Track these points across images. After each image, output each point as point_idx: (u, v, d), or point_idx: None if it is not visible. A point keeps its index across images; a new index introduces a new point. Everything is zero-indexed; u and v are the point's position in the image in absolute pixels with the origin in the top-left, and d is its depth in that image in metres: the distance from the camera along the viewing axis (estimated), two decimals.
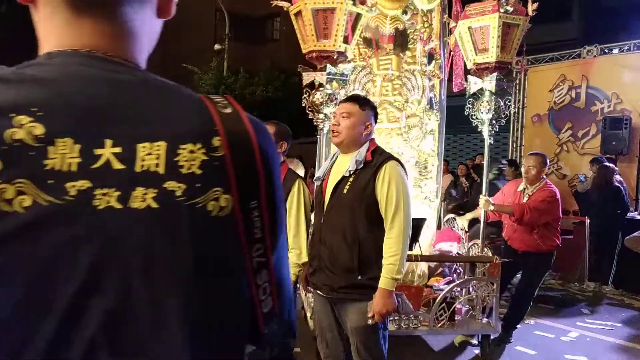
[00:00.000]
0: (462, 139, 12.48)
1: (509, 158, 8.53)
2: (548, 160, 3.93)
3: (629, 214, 5.94)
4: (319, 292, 2.36)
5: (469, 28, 3.28)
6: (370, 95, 3.73)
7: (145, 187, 0.51)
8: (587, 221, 6.09)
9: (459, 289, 3.47)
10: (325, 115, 3.28)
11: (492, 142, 3.57)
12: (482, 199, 3.58)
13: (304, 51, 3.26)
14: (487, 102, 3.34)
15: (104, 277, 0.50)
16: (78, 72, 0.54)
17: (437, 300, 3.26)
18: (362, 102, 2.34)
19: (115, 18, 0.58)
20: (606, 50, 7.85)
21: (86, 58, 0.55)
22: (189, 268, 0.52)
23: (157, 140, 0.52)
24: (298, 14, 3.16)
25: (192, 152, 0.53)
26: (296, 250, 2.44)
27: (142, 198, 0.51)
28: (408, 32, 3.86)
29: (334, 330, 2.38)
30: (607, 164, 6.16)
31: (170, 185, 0.52)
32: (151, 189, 0.51)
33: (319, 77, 3.20)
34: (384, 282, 2.15)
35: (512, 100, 8.82)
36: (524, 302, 3.91)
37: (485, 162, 3.72)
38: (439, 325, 3.28)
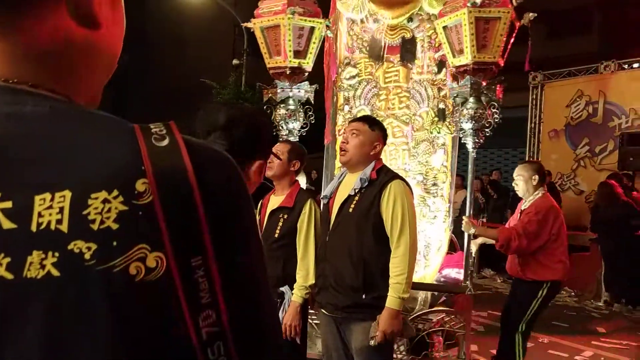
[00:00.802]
0: (478, 154, 12.41)
1: None
2: (541, 168, 3.38)
3: None
4: (324, 310, 2.36)
5: (444, 28, 2.91)
6: (376, 110, 3.58)
7: (44, 250, 0.40)
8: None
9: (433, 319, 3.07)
10: (290, 131, 3.27)
11: (475, 156, 3.20)
12: (464, 219, 3.21)
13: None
14: (468, 109, 2.94)
15: None
16: None
17: None
18: (372, 122, 2.37)
19: (12, 35, 0.47)
20: (624, 66, 7.79)
21: None
22: (108, 349, 0.41)
23: (60, 190, 0.41)
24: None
25: (106, 201, 0.42)
26: (303, 272, 2.42)
27: (40, 264, 0.40)
28: (417, 40, 3.54)
29: (340, 349, 2.36)
30: (605, 181, 6.09)
31: (77, 246, 0.41)
32: (51, 252, 0.40)
33: (273, 93, 3.20)
34: (391, 301, 2.14)
35: (529, 115, 8.83)
36: (506, 336, 3.31)
37: (469, 179, 3.31)
38: (400, 357, 2.96)
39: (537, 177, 3.25)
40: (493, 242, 3.46)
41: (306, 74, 3.22)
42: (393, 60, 3.54)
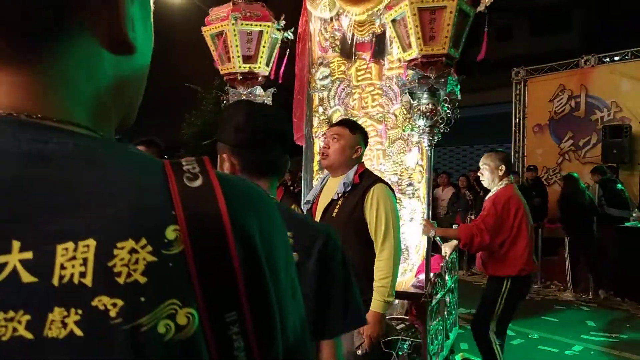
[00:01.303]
0: (464, 151, 12.49)
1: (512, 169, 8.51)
2: (508, 158, 3.17)
3: (630, 223, 5.91)
4: None
5: (393, 22, 2.69)
6: (350, 109, 3.47)
7: (66, 306, 0.36)
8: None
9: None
10: None
11: (430, 155, 2.87)
12: (422, 222, 2.96)
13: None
14: (419, 105, 2.70)
15: None
16: None
17: None
18: (353, 126, 2.35)
19: (36, 66, 0.43)
20: (605, 59, 7.87)
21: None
22: None
23: (84, 238, 0.38)
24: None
25: (133, 251, 0.38)
26: None
27: (62, 323, 0.36)
28: (388, 34, 3.30)
29: None
30: (571, 173, 6.31)
31: (102, 302, 0.37)
32: (74, 309, 0.36)
33: (227, 99, 3.13)
34: (375, 305, 2.13)
35: (513, 110, 8.88)
36: (479, 337, 3.10)
37: (426, 178, 2.84)
38: None
39: (503, 167, 3.08)
40: None
41: (260, 78, 3.13)
42: (365, 57, 3.41)
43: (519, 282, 3.03)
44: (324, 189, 2.41)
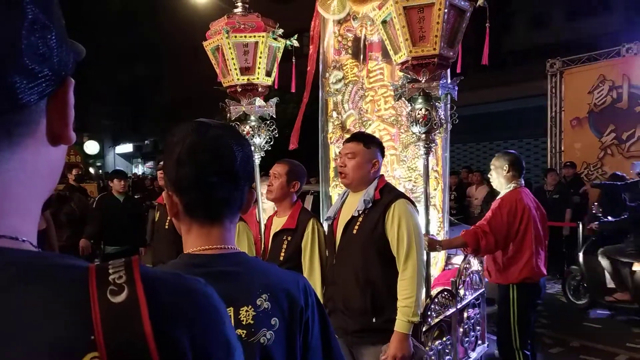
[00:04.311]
0: (498, 147, 12.07)
1: (548, 166, 8.13)
2: (516, 160, 3.05)
3: None
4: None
5: (383, 23, 2.52)
6: (364, 113, 3.33)
7: None
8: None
9: None
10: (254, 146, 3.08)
11: (426, 163, 2.58)
12: (425, 240, 2.57)
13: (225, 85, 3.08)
14: (412, 110, 2.51)
15: None
16: None
17: None
18: (367, 140, 2.30)
19: None
20: None
21: None
22: None
23: None
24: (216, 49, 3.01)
25: None
26: None
27: None
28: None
29: None
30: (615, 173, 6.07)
31: None
32: None
33: (228, 111, 3.05)
34: (399, 325, 2.09)
35: (549, 103, 8.45)
36: (500, 352, 3.08)
37: (424, 186, 2.58)
38: None
39: (507, 167, 3.00)
40: None
41: (260, 88, 3.04)
42: (377, 57, 3.26)
43: (526, 290, 2.94)
44: (344, 204, 2.37)
